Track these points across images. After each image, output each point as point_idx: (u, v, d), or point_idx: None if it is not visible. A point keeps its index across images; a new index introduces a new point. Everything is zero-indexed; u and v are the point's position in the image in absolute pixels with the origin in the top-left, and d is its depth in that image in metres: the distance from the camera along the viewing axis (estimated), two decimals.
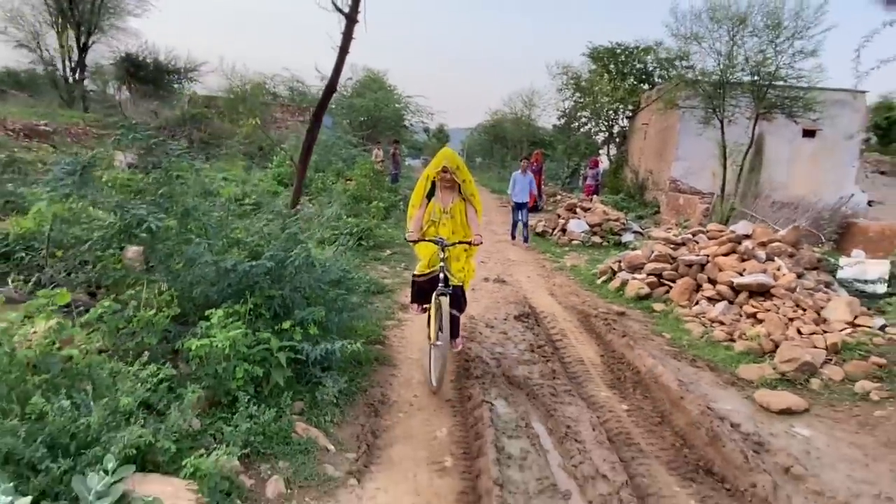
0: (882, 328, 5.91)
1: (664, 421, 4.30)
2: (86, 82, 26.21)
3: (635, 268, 8.37)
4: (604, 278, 8.71)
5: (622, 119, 29.12)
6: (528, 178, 11.37)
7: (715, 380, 5.02)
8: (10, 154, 9.53)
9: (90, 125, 17.13)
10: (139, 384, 2.78)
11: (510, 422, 4.04)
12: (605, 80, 28.00)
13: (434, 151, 50.73)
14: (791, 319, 6.08)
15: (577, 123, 30.95)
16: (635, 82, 27.80)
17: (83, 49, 23.18)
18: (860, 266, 8.45)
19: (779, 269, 7.15)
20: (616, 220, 12.31)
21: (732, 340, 6.00)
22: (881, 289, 7.57)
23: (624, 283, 8.15)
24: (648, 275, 8.01)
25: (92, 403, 2.54)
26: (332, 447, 3.50)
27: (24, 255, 4.43)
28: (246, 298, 3.70)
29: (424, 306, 4.93)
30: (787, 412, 4.38)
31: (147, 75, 24.40)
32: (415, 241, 4.83)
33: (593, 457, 3.61)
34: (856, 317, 6.06)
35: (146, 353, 3.12)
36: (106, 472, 2.22)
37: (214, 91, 27.46)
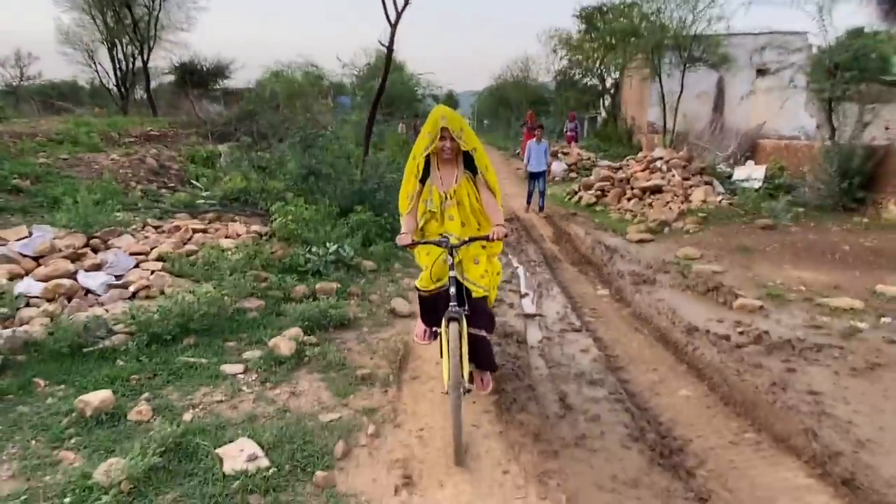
0: (720, 202, 10.00)
1: (575, 250, 8.53)
2: (141, 91, 30.54)
3: (588, 187, 12.47)
4: (569, 197, 12.84)
5: (613, 73, 32.49)
6: (543, 147, 11.29)
7: (611, 234, 9.18)
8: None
9: (174, 128, 21.45)
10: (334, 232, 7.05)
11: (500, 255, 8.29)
12: (592, 38, 31.33)
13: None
14: (668, 203, 10.19)
15: (570, 80, 34.60)
16: (621, 38, 31.20)
17: (145, 62, 27.41)
18: (746, 170, 12.58)
19: (673, 176, 11.22)
20: (588, 159, 16.34)
21: (634, 218, 10.14)
22: (757, 185, 11.58)
23: (581, 198, 12.27)
24: (596, 190, 12.11)
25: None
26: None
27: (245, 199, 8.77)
28: (364, 203, 7.98)
29: (435, 330, 3.65)
30: (640, 241, 8.53)
31: (200, 79, 28.67)
32: (410, 246, 3.34)
33: (537, 264, 7.84)
34: (707, 197, 10.15)
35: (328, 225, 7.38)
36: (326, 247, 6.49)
37: (249, 83, 31.71)
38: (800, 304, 5.52)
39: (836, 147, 10.18)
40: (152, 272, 5.41)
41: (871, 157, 9.86)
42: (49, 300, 4.65)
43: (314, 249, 6.28)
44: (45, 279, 4.86)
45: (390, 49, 10.12)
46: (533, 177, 11.32)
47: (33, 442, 3.05)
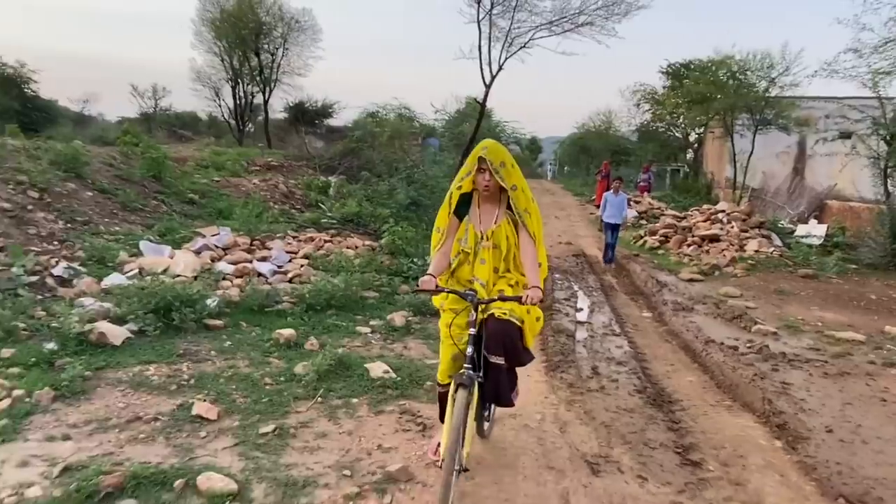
0: (771, 252, 11.03)
1: (631, 283, 9.88)
2: (252, 125, 34.50)
3: (653, 233, 13.72)
4: (635, 241, 14.11)
5: (697, 129, 33.32)
6: (621, 199, 10.83)
7: (665, 273, 10.44)
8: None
9: (288, 160, 24.35)
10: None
11: (563, 285, 9.78)
12: (677, 94, 32.43)
13: (527, 163, 56.91)
14: (723, 250, 11.32)
15: (652, 132, 35.64)
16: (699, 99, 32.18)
17: (265, 101, 31.19)
18: (808, 227, 13.47)
19: (731, 227, 12.32)
20: (658, 209, 17.51)
21: (690, 262, 11.33)
22: (816, 241, 12.50)
23: (645, 242, 13.53)
24: (660, 236, 13.34)
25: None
26: None
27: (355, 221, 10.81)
28: None
29: None
30: (690, 280, 9.76)
31: (308, 118, 32.20)
32: (430, 292, 2.92)
33: (595, 290, 9.28)
34: (760, 248, 11.20)
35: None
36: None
37: (347, 122, 34.88)
38: (810, 334, 6.67)
39: (889, 210, 11.01)
40: (301, 266, 7.38)
41: None
42: (237, 277, 6.68)
43: (415, 260, 8.09)
44: (234, 263, 6.93)
45: (483, 105, 12.04)
46: (608, 228, 10.91)
47: (252, 353, 4.93)
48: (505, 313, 2.90)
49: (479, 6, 12.51)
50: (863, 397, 4.78)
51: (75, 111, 36.08)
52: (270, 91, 30.98)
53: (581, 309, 7.83)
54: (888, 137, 11.21)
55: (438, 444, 3.01)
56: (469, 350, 2.79)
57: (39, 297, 5.34)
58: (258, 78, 31.14)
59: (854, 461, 3.67)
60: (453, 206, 3.11)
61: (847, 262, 10.84)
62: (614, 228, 10.82)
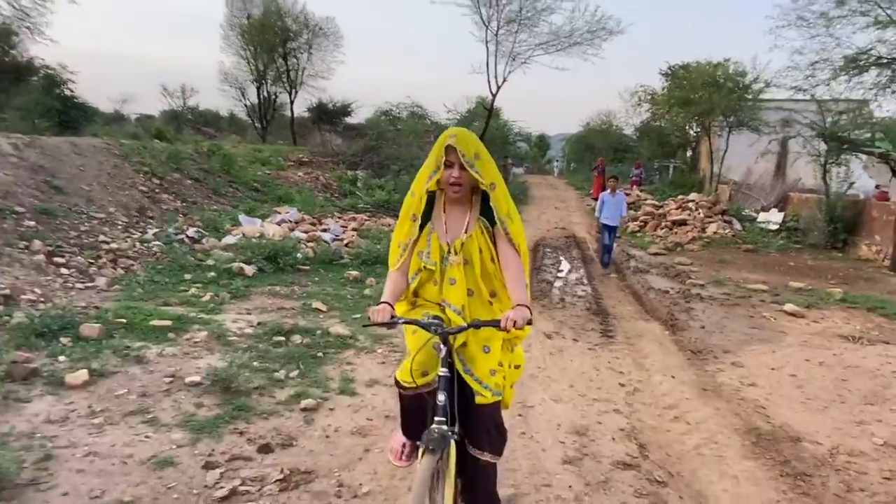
0: (727, 233, 13.39)
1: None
2: (270, 123, 37.04)
3: (634, 219, 16.11)
4: (621, 227, 16.50)
5: (694, 126, 35.49)
6: (619, 199, 10.29)
7: (637, 249, 12.84)
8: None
9: (314, 156, 26.83)
10: None
11: (551, 256, 12.22)
12: (676, 94, 34.61)
13: (534, 159, 59.25)
14: (687, 232, 13.71)
15: (652, 131, 37.90)
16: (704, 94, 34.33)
17: (292, 102, 33.75)
18: (768, 215, 15.83)
19: (698, 213, 14.71)
20: (644, 200, 19.88)
21: (659, 241, 13.73)
22: (773, 226, 14.85)
23: (627, 227, 15.92)
24: (640, 222, 15.73)
25: None
26: None
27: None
28: None
29: (417, 444, 2.33)
30: (655, 254, 12.16)
31: (329, 117, 34.77)
32: (384, 325, 2.20)
33: (576, 259, 11.73)
34: (718, 230, 13.58)
35: None
36: None
37: (363, 119, 37.13)
38: (729, 286, 9.07)
39: (826, 200, 13.34)
40: (352, 236, 9.90)
41: (852, 209, 12.97)
42: (309, 241, 9.20)
43: None
44: (305, 232, 9.46)
45: (490, 111, 14.45)
46: (605, 229, 10.15)
47: (333, 284, 7.44)
48: (486, 389, 2.22)
49: (487, 29, 14.92)
50: (737, 315, 7.22)
51: (108, 111, 38.94)
52: (296, 93, 33.56)
53: (561, 270, 10.28)
54: (826, 138, 13.48)
55: (403, 445, 2.49)
56: (440, 398, 2.12)
57: (184, 249, 7.88)
58: (285, 80, 33.66)
59: (707, 339, 6.13)
60: (419, 215, 2.39)
61: (794, 243, 13.20)
62: (611, 230, 10.19)
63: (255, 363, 4.48)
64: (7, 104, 25.53)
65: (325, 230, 9.77)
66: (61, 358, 4.25)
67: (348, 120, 38.05)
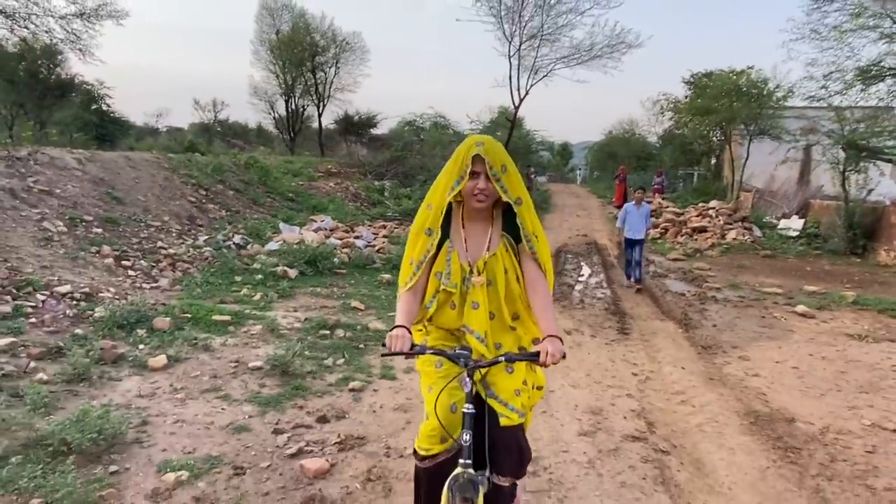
0: (746, 240, 13.69)
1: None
2: (303, 135, 38.06)
3: (656, 226, 16.45)
4: None
5: (717, 135, 35.57)
6: (644, 211, 9.62)
7: (657, 255, 13.22)
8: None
9: (342, 167, 27.63)
10: None
11: (573, 261, 12.68)
12: (697, 104, 34.76)
13: (557, 168, 59.69)
14: (708, 238, 14.04)
15: (675, 138, 38.03)
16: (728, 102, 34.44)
17: (320, 114, 34.76)
18: (789, 222, 16.07)
19: (718, 220, 15.01)
20: (666, 207, 20.19)
21: (679, 247, 14.08)
22: (794, 233, 15.10)
23: (648, 234, 16.27)
24: (661, 229, 16.08)
25: None
26: None
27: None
28: None
29: None
30: (675, 260, 12.53)
31: (355, 128, 35.72)
32: (405, 355, 2.02)
33: (597, 264, 12.18)
34: (738, 237, 13.88)
35: None
36: None
37: (387, 130, 37.88)
38: (744, 289, 9.43)
39: (846, 206, 13.56)
40: (382, 242, 10.51)
41: (871, 215, 13.17)
42: (344, 247, 9.83)
43: None
44: (339, 239, 10.10)
45: (513, 123, 15.00)
46: (630, 244, 9.50)
47: (367, 286, 8.03)
48: (512, 411, 2.11)
49: (510, 44, 15.52)
50: (749, 315, 7.62)
51: (140, 125, 40.48)
52: (324, 105, 34.56)
53: (582, 274, 10.75)
54: (846, 146, 13.69)
55: None
56: (465, 438, 1.92)
57: (232, 254, 8.57)
58: (313, 94, 34.66)
59: (718, 336, 6.56)
60: (437, 231, 2.22)
61: (814, 249, 13.44)
62: (636, 245, 9.44)
63: (306, 352, 5.07)
64: (49, 119, 26.99)
65: (357, 237, 10.40)
66: (141, 346, 4.90)
67: (373, 131, 38.97)
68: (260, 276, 7.53)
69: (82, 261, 6.50)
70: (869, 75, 12.54)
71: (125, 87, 66.59)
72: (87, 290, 5.72)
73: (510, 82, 15.86)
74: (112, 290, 6.05)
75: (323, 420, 3.92)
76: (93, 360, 4.39)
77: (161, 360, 4.57)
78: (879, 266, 12.01)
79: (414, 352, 2.02)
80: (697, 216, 15.68)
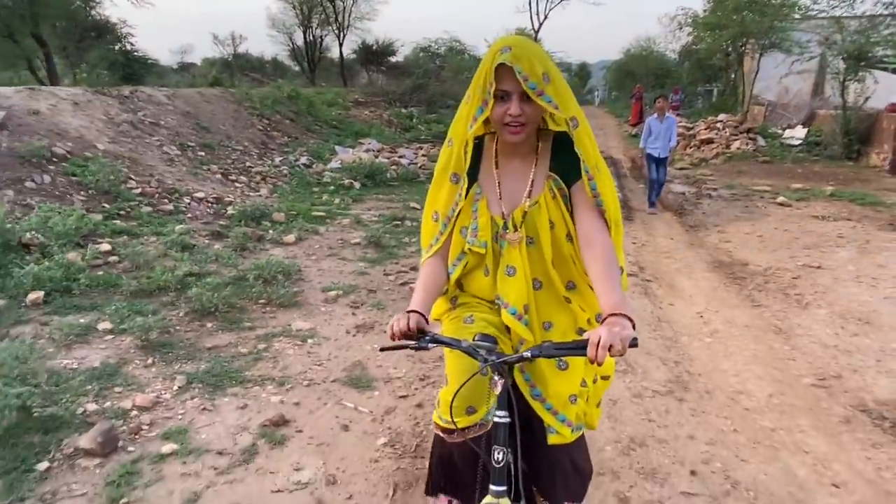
0: (749, 149, 15.00)
1: (638, 170, 14.21)
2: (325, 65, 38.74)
3: None
4: None
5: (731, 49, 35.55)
6: (669, 124, 8.75)
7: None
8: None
9: (368, 96, 28.66)
10: None
11: None
12: (709, 20, 34.67)
13: (575, 90, 61.05)
14: (714, 149, 15.36)
15: (694, 54, 38.04)
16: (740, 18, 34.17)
17: (341, 44, 35.44)
18: (792, 132, 17.27)
19: (725, 132, 16.25)
20: (678, 122, 21.28)
21: (687, 158, 15.43)
22: (796, 142, 16.32)
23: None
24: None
25: None
26: None
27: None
28: None
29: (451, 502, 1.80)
30: (681, 168, 13.96)
31: (374, 57, 36.43)
32: (406, 348, 1.46)
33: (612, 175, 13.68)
34: (741, 146, 15.18)
35: None
36: None
37: (404, 57, 38.25)
38: (738, 189, 10.93)
39: (842, 114, 14.71)
40: (423, 160, 12.13)
41: (866, 121, 14.35)
42: (391, 165, 11.48)
43: None
44: (387, 158, 11.74)
45: None
46: (653, 162, 8.75)
47: (417, 195, 9.73)
48: (563, 424, 1.65)
49: None
50: (736, 205, 9.22)
51: (164, 64, 41.37)
52: (344, 35, 35.18)
53: None
54: (844, 56, 14.64)
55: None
56: (497, 457, 1.40)
57: (304, 171, 10.28)
58: (333, 24, 35.23)
59: (705, 219, 8.21)
60: (465, 168, 1.66)
61: (813, 156, 14.72)
62: (660, 162, 8.70)
63: (387, 235, 6.86)
64: (86, 60, 28.36)
65: (401, 157, 12.02)
66: (270, 232, 6.73)
67: (391, 59, 39.46)
68: (332, 188, 9.28)
69: (201, 175, 8.27)
70: None
71: (145, 25, 66.82)
72: (215, 196, 7.52)
73: (529, 7, 16.75)
74: (230, 197, 7.85)
75: (415, 269, 5.74)
76: (245, 237, 6.23)
77: (291, 237, 6.40)
78: (868, 168, 13.34)
79: (419, 345, 1.43)
80: (706, 129, 16.89)
